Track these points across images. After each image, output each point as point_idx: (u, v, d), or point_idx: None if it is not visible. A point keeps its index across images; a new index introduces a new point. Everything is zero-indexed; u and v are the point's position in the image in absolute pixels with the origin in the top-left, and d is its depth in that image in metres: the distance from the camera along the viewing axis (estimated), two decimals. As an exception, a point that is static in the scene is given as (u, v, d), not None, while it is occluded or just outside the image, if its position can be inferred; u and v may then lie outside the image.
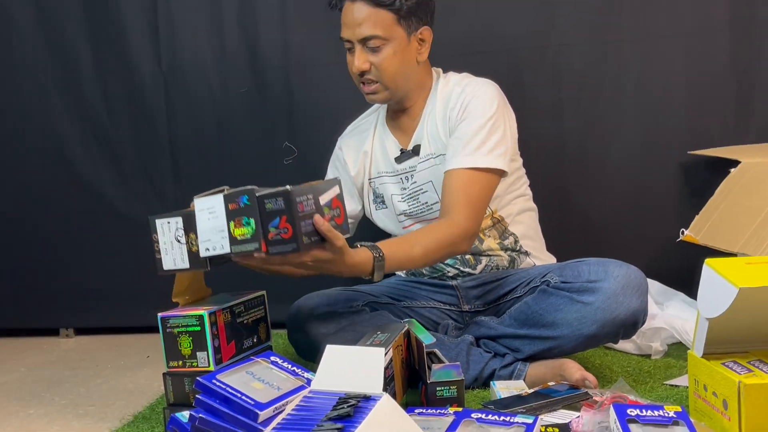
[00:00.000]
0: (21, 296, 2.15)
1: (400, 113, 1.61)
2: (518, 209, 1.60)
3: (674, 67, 1.98)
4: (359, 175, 1.66)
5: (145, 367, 1.80)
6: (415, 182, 1.58)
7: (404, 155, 1.59)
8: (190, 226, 1.22)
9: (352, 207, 1.65)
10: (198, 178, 2.09)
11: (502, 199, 1.57)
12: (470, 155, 1.46)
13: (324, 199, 1.22)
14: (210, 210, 1.18)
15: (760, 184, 1.64)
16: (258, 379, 1.01)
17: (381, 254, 1.31)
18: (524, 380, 1.42)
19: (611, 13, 1.97)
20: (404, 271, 1.70)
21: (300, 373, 1.06)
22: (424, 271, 1.64)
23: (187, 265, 1.24)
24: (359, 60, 1.49)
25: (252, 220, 1.14)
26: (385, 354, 1.10)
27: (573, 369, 1.38)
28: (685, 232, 1.72)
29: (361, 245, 1.32)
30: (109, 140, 2.10)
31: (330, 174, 1.70)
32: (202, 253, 1.20)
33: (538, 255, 1.63)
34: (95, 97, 2.08)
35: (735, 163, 1.74)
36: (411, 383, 1.34)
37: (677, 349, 1.64)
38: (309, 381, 1.04)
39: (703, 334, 1.17)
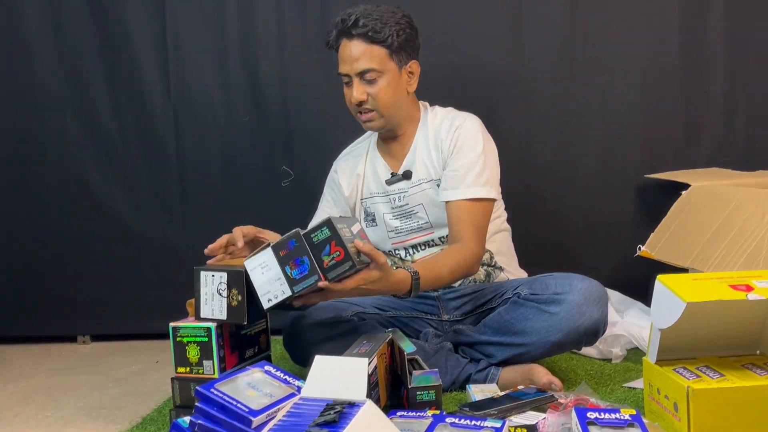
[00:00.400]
0: (42, 306, 2.13)
1: (391, 140, 1.62)
2: (494, 229, 1.61)
3: (632, 98, 2.00)
4: (352, 196, 1.66)
5: (155, 372, 1.79)
6: (407, 204, 1.58)
7: (395, 178, 1.60)
8: (233, 282, 1.22)
9: None
10: (203, 198, 2.09)
11: None
12: (470, 187, 1.49)
13: (354, 229, 1.23)
14: (262, 265, 1.18)
15: (708, 205, 1.65)
16: (252, 388, 1.01)
17: (417, 273, 1.32)
18: (497, 384, 1.42)
19: (575, 50, 1.99)
20: None
21: (291, 381, 1.06)
22: None
23: (224, 317, 1.24)
24: (357, 91, 1.51)
25: (305, 257, 1.15)
26: (370, 363, 1.10)
27: (541, 373, 1.38)
28: (642, 248, 1.73)
29: (396, 267, 1.33)
30: (123, 164, 2.09)
31: (326, 194, 1.71)
32: (265, 305, 1.19)
33: (512, 271, 1.64)
34: (110, 126, 2.08)
35: (686, 186, 1.75)
36: (394, 387, 1.34)
37: (635, 354, 1.64)
38: (299, 389, 1.03)
39: (656, 342, 1.17)
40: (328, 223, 1.15)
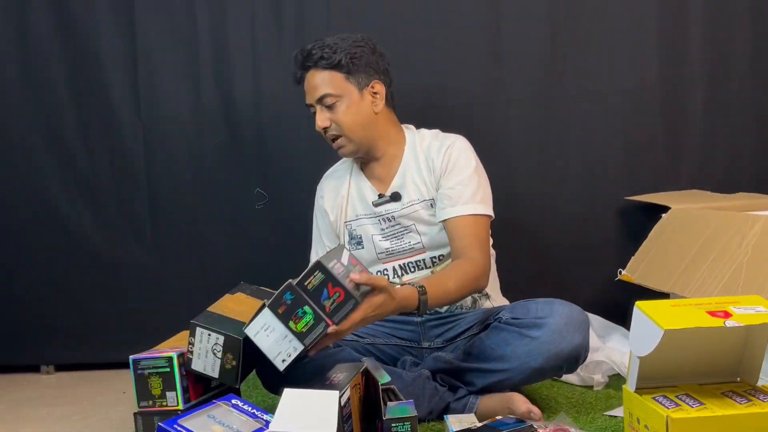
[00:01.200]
0: (3, 334, 2.09)
1: (373, 162, 1.63)
2: (492, 268, 1.62)
3: (612, 121, 2.02)
4: (338, 220, 1.66)
5: (120, 404, 1.75)
6: (398, 224, 1.59)
7: (382, 200, 1.60)
8: (229, 348, 1.23)
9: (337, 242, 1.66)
10: (174, 221, 2.07)
11: None
12: (468, 203, 1.52)
13: (345, 259, 1.23)
14: (264, 327, 1.18)
15: (687, 229, 1.66)
16: (218, 423, 0.99)
17: (423, 288, 1.33)
18: (476, 413, 1.41)
19: (556, 72, 2.01)
20: None
21: (259, 415, 1.05)
22: None
23: (216, 375, 1.24)
24: (320, 119, 1.55)
25: (306, 307, 1.15)
26: (342, 395, 1.09)
27: (520, 402, 1.38)
28: (623, 272, 1.74)
29: (400, 284, 1.34)
30: (91, 186, 2.07)
31: (318, 221, 1.71)
32: (281, 366, 1.18)
33: (495, 297, 1.64)
34: (78, 146, 2.06)
35: (666, 208, 1.77)
36: (369, 419, 1.33)
37: (617, 381, 1.64)
38: (268, 423, 1.02)
39: (635, 370, 1.17)
40: (318, 266, 1.15)
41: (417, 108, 1.96)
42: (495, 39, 2.01)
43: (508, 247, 1.97)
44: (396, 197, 1.59)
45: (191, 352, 1.24)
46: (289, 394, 1.02)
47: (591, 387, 1.63)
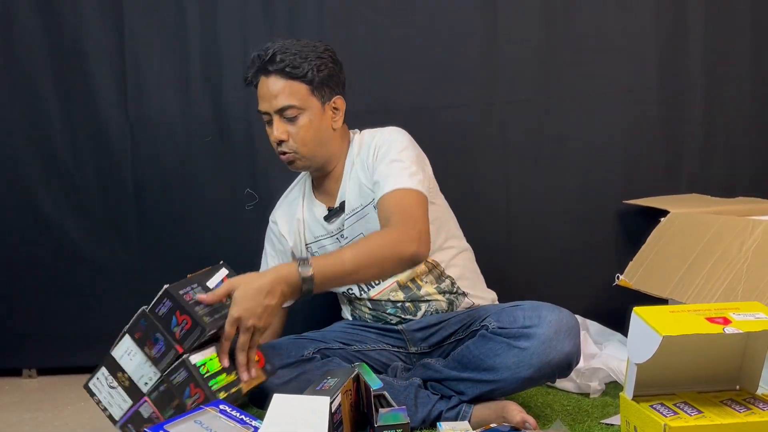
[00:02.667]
0: (-16, 337, 2.08)
1: (324, 178, 1.61)
2: (453, 253, 1.60)
3: (611, 122, 2.03)
4: (297, 244, 1.64)
5: (104, 409, 1.75)
6: (348, 238, 1.57)
7: (332, 213, 1.58)
8: (110, 367, 1.25)
9: None
10: (161, 223, 2.06)
11: (434, 243, 1.51)
12: (395, 179, 1.44)
13: (213, 282, 1.27)
14: (127, 352, 1.22)
15: (686, 234, 1.67)
16: (206, 429, 0.99)
17: (304, 260, 1.29)
18: (469, 422, 1.41)
19: (553, 72, 2.02)
20: (350, 313, 1.68)
21: (248, 421, 1.04)
22: (367, 318, 1.63)
23: (129, 401, 1.24)
24: (278, 130, 1.49)
25: (158, 334, 1.19)
26: (333, 400, 1.09)
27: (514, 411, 1.38)
28: (620, 277, 1.75)
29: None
30: (75, 186, 2.06)
31: (267, 249, 1.70)
32: (144, 389, 1.22)
33: (477, 294, 1.62)
34: (63, 146, 2.05)
35: (665, 212, 1.78)
36: (360, 426, 1.33)
37: (614, 388, 1.65)
38: (256, 429, 1.02)
39: (632, 377, 1.18)
40: (166, 293, 1.19)
41: (411, 109, 1.97)
42: (491, 40, 2.01)
43: (504, 251, 1.99)
44: (343, 207, 1.57)
45: (105, 409, 1.26)
46: (278, 399, 1.01)
47: (587, 394, 1.63)
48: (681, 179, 2.04)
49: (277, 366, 1.40)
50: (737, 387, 1.23)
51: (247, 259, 2.03)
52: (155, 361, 1.20)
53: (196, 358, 1.18)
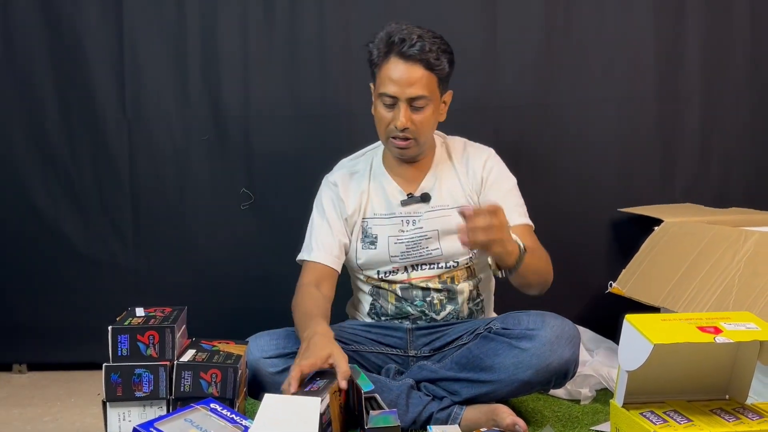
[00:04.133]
0: (-25, 331, 2.07)
1: (405, 164, 1.61)
2: (492, 284, 1.65)
3: (607, 130, 2.04)
4: (354, 215, 1.60)
5: (94, 405, 1.73)
6: (421, 228, 1.57)
7: (411, 200, 1.59)
8: None
9: (345, 242, 1.60)
10: (157, 220, 2.05)
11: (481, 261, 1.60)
12: (523, 216, 1.58)
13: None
14: None
15: (680, 243, 1.68)
16: (196, 427, 0.99)
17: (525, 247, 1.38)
18: (459, 424, 1.42)
19: (551, 79, 2.02)
20: (368, 306, 1.65)
21: (238, 420, 1.04)
22: (388, 310, 1.60)
23: None
24: (405, 117, 1.49)
25: None
26: (321, 401, 1.08)
27: (505, 414, 1.39)
28: (613, 284, 1.75)
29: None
30: (72, 182, 2.04)
31: (328, 208, 1.60)
32: None
33: (488, 313, 1.67)
34: (59, 140, 2.03)
35: (659, 221, 1.79)
36: (350, 427, 1.32)
37: (605, 395, 1.65)
38: (246, 429, 1.02)
39: (623, 384, 1.18)
40: None
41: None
42: (490, 46, 2.01)
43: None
44: (426, 198, 1.58)
45: None
46: (269, 399, 1.01)
47: (578, 401, 1.64)
48: (675, 188, 2.05)
49: (273, 354, 1.41)
50: (727, 396, 1.24)
51: (241, 257, 2.04)
52: None
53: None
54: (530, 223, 1.58)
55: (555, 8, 2.01)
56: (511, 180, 1.61)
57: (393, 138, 1.53)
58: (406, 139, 1.52)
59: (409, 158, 1.59)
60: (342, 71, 2.01)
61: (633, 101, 2.03)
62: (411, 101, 1.49)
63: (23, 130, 2.04)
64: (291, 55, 2.02)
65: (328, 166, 1.70)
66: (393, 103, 1.50)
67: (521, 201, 1.60)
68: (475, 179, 1.59)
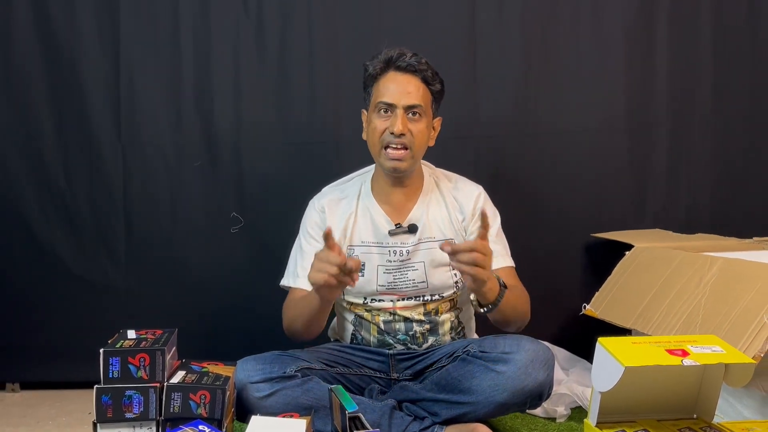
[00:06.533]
0: (-32, 350, 2.04)
1: (395, 189, 1.59)
2: (466, 299, 1.64)
3: (581, 158, 2.07)
4: (340, 240, 1.58)
5: (86, 425, 1.72)
6: (409, 259, 1.56)
7: (399, 229, 1.57)
8: None
9: None
10: (149, 242, 2.05)
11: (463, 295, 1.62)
12: (506, 256, 1.61)
13: None
14: None
15: (649, 267, 1.70)
16: (186, 448, 0.98)
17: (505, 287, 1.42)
18: (440, 444, 1.42)
19: (528, 109, 2.06)
20: (349, 335, 1.65)
21: (227, 441, 1.04)
22: (371, 341, 1.60)
23: None
24: (402, 122, 1.50)
25: None
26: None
27: (484, 434, 1.39)
28: (587, 306, 1.77)
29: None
30: (66, 205, 2.03)
31: (313, 234, 1.59)
32: None
33: (470, 336, 1.68)
34: (55, 163, 2.02)
35: (630, 246, 1.81)
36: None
37: (579, 413, 1.67)
38: (235, 449, 1.01)
39: (596, 404, 1.19)
40: None
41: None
42: (469, 76, 2.04)
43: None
44: (413, 229, 1.57)
45: None
46: (256, 421, 1.01)
47: (554, 419, 1.65)
48: (646, 215, 2.08)
49: (259, 379, 1.40)
50: (695, 416, 1.25)
51: (232, 281, 2.04)
52: None
53: None
54: (512, 264, 1.61)
55: (533, 43, 2.05)
56: (497, 220, 1.63)
57: (388, 148, 1.52)
58: (403, 148, 1.51)
59: (401, 174, 1.56)
60: (331, 99, 2.04)
61: (606, 132, 2.07)
62: (408, 109, 1.51)
63: (19, 154, 2.03)
64: (281, 84, 2.04)
65: (316, 192, 1.70)
66: (390, 112, 1.52)
67: (506, 242, 1.63)
68: (463, 214, 1.60)
